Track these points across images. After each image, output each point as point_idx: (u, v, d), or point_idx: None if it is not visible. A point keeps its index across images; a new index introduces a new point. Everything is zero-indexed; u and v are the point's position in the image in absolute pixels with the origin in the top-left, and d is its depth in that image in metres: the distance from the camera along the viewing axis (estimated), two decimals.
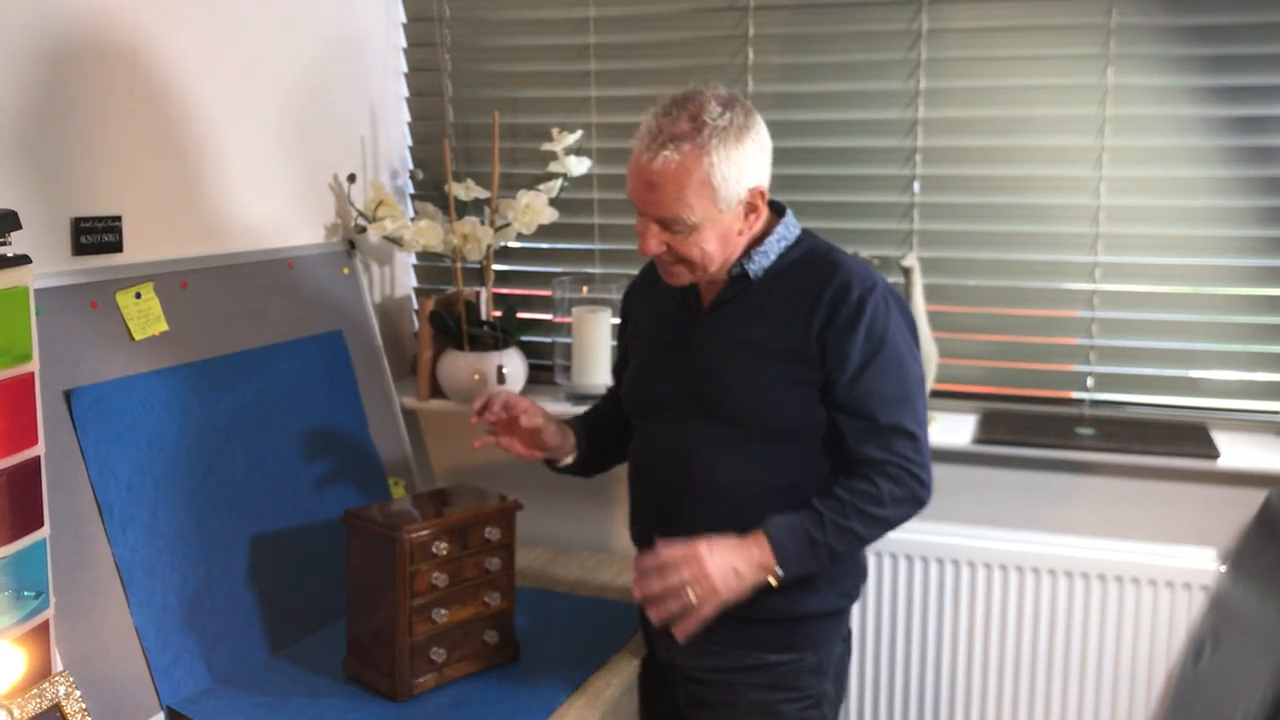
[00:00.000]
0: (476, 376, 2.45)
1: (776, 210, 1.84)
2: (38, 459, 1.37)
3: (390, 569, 1.79)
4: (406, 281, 2.74)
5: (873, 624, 2.35)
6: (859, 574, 1.90)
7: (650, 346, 1.93)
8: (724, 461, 1.80)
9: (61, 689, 1.23)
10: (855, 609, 2.32)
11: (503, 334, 2.48)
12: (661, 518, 1.87)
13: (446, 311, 2.50)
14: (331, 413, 2.27)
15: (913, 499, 1.75)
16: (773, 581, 1.70)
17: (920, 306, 2.27)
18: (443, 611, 1.83)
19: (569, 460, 2.00)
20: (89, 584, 1.70)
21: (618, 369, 2.09)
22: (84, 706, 1.26)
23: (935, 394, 2.33)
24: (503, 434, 1.94)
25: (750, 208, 1.73)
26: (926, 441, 1.78)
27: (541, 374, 2.58)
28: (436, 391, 2.55)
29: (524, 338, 2.56)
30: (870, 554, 2.31)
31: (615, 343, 2.06)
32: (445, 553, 1.82)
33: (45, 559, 1.38)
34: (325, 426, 2.24)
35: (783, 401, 1.76)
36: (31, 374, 1.35)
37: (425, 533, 1.80)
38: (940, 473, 2.30)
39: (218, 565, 1.92)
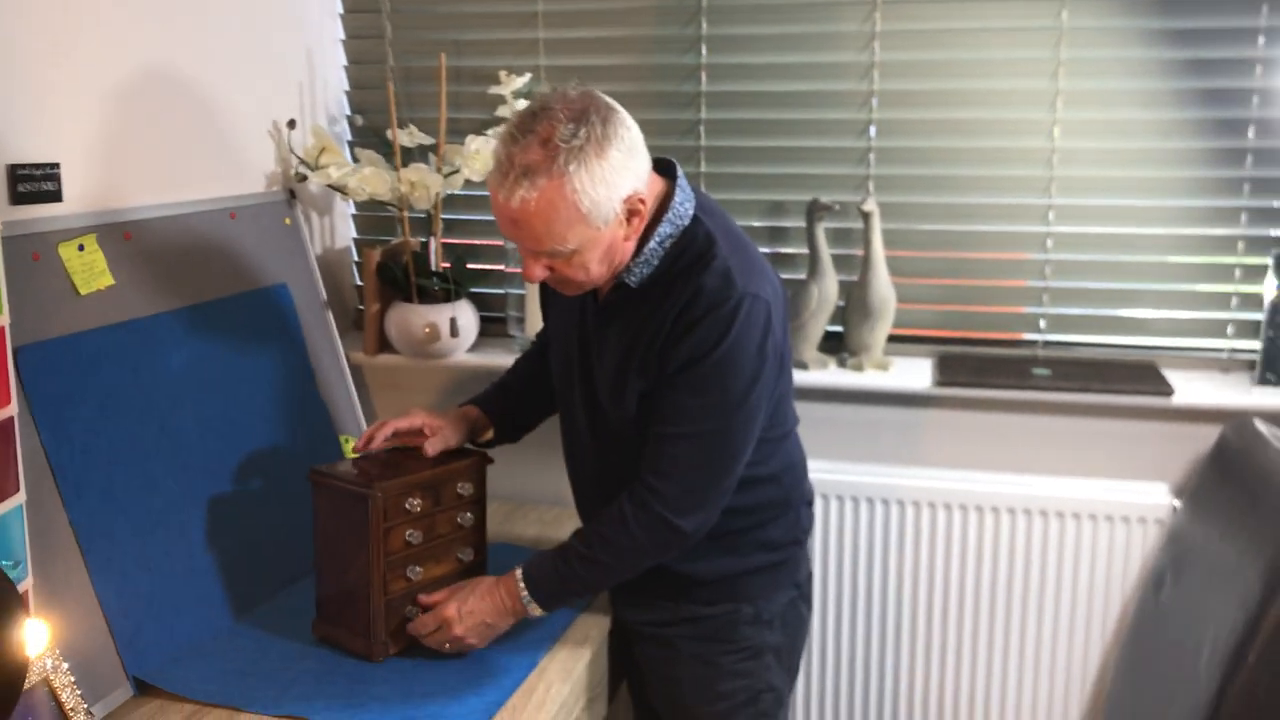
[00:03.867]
0: (428, 329, 2.39)
1: (668, 173, 1.72)
2: (11, 420, 1.28)
3: (362, 527, 1.74)
4: (346, 232, 2.66)
5: (834, 567, 2.36)
6: (794, 527, 1.89)
7: (558, 334, 1.89)
8: (610, 457, 1.81)
9: (49, 662, 1.16)
10: (815, 554, 2.34)
11: (453, 285, 2.42)
12: (575, 494, 1.95)
13: (393, 262, 2.43)
14: (281, 369, 2.20)
15: (661, 525, 1.69)
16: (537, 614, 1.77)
17: (879, 252, 2.27)
18: (417, 569, 1.79)
19: (489, 435, 1.98)
20: (47, 552, 1.61)
21: (541, 333, 2.07)
22: (73, 680, 1.20)
23: (893, 338, 2.34)
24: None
25: (631, 214, 1.62)
26: (718, 476, 1.69)
27: (494, 326, 2.53)
28: (384, 346, 2.48)
29: (475, 289, 2.51)
30: (830, 498, 2.32)
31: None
32: (418, 509, 1.78)
33: (23, 526, 1.30)
34: (274, 383, 2.17)
35: (639, 415, 1.74)
36: (2, 328, 1.26)
37: (397, 489, 1.75)
38: (899, 416, 2.35)
39: (176, 529, 1.85)
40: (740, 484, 1.74)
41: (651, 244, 1.67)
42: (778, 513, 1.85)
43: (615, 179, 1.56)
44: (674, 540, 1.71)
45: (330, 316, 2.39)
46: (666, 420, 1.69)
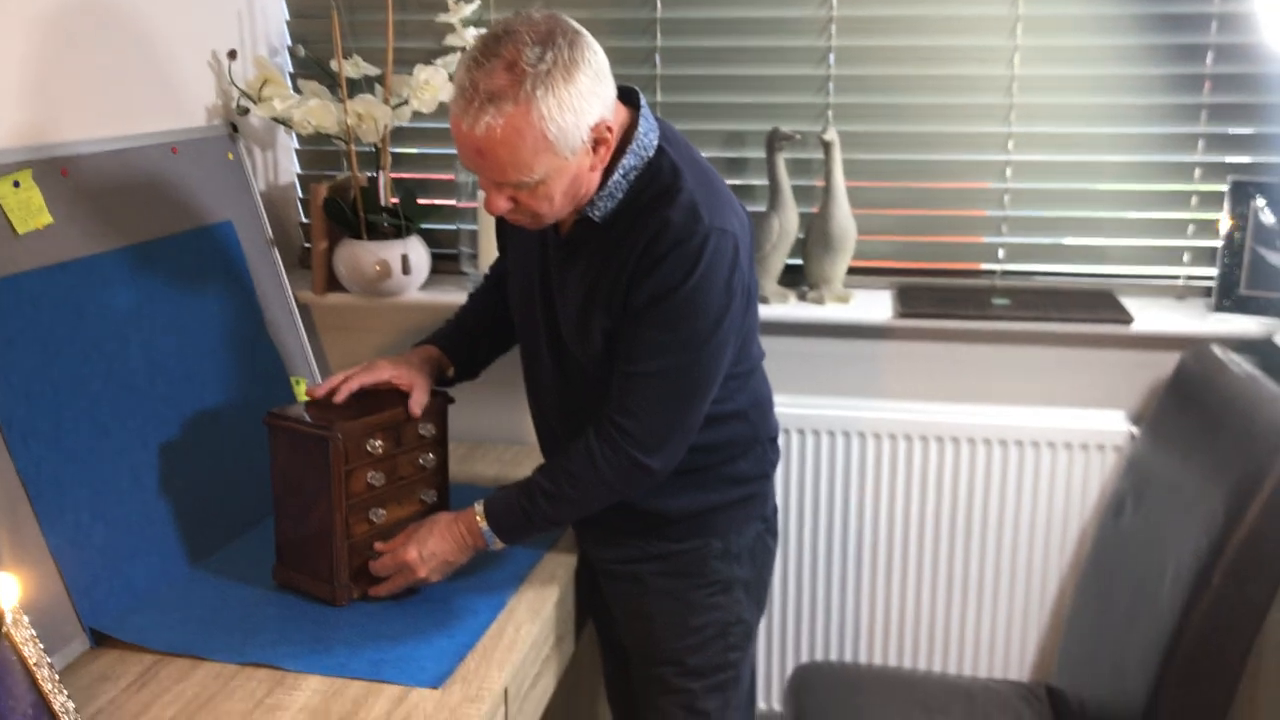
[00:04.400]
0: (378, 267, 2.32)
1: (631, 102, 1.66)
2: None
3: (323, 470, 1.70)
4: (290, 167, 2.57)
5: (797, 499, 2.36)
6: (761, 461, 1.88)
7: (518, 269, 1.84)
8: (576, 394, 1.78)
9: (9, 616, 1.12)
10: (779, 487, 2.33)
11: (403, 221, 2.36)
12: (539, 431, 1.91)
13: (341, 198, 2.36)
14: (228, 309, 2.13)
15: (629, 463, 1.67)
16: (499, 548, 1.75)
17: (839, 182, 2.24)
18: (380, 511, 1.75)
19: (450, 373, 1.94)
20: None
21: (495, 266, 2.03)
22: (34, 634, 1.15)
23: (853, 270, 2.33)
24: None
25: (598, 142, 1.56)
26: (686, 413, 1.67)
27: (446, 263, 2.47)
28: (333, 284, 2.42)
29: (425, 225, 2.44)
30: (793, 432, 2.31)
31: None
32: (380, 451, 1.73)
33: None
34: (222, 324, 2.10)
35: (605, 353, 1.70)
36: None
37: (358, 431, 1.71)
38: (860, 349, 2.34)
39: (127, 475, 1.79)
40: (707, 420, 1.72)
41: (615, 176, 1.63)
42: (745, 448, 1.84)
43: (583, 105, 1.51)
44: (641, 477, 1.69)
45: (276, 255, 2.32)
46: (633, 358, 1.66)
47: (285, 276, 2.33)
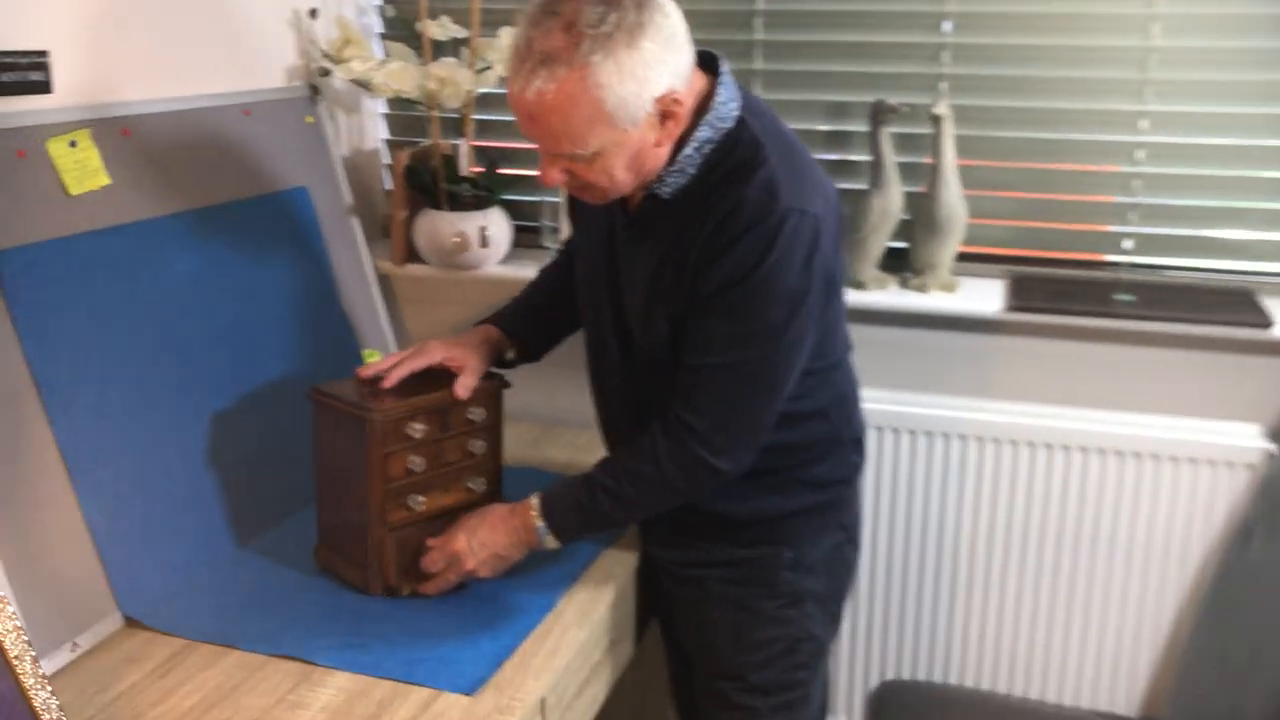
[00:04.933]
0: (457, 239, 2.23)
1: (711, 68, 1.52)
2: None
3: (361, 452, 1.61)
4: (376, 133, 2.50)
5: (887, 507, 2.19)
6: (841, 465, 1.72)
7: (585, 247, 1.72)
8: (642, 384, 1.65)
9: None
10: (868, 492, 2.17)
11: (485, 192, 2.26)
12: (601, 421, 1.79)
13: (422, 166, 2.27)
14: (297, 278, 2.06)
15: (695, 463, 1.54)
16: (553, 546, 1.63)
17: (950, 160, 2.06)
18: (419, 499, 1.65)
19: (510, 355, 1.82)
20: (28, 474, 1.51)
21: (568, 242, 1.91)
22: (19, 625, 1.08)
23: (962, 257, 2.14)
24: None
25: (665, 116, 1.43)
26: (757, 411, 1.54)
27: (527, 236, 2.36)
28: (413, 255, 2.34)
29: (508, 196, 2.34)
30: (886, 431, 2.14)
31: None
32: (422, 435, 1.63)
33: None
34: (291, 293, 2.03)
35: (672, 342, 1.57)
36: None
37: (399, 413, 1.61)
38: (964, 343, 2.15)
39: (175, 448, 1.73)
40: (783, 419, 1.58)
41: (688, 150, 1.49)
42: (825, 450, 1.69)
43: (647, 74, 1.37)
44: (709, 479, 1.56)
45: (355, 223, 2.25)
46: (700, 349, 1.52)
47: (364, 245, 2.26)
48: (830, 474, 1.71)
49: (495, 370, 1.77)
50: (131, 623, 1.59)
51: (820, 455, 1.69)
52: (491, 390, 1.73)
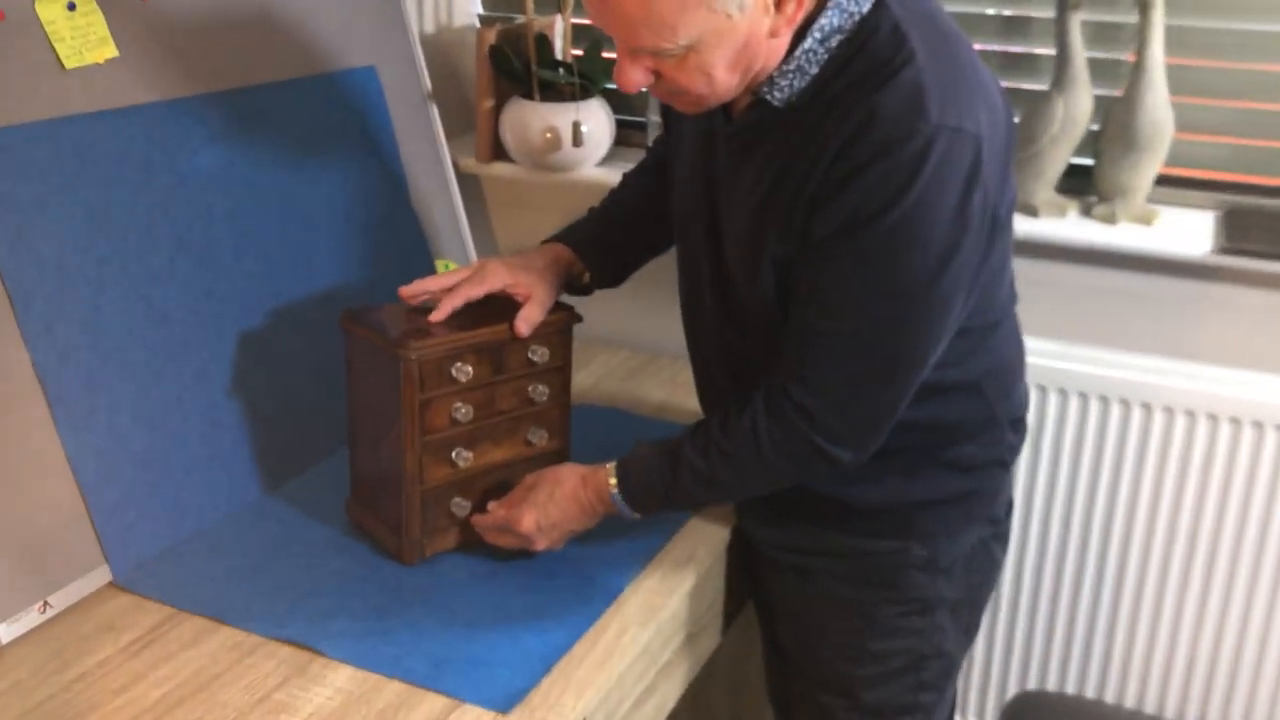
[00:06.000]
0: (548, 134, 1.90)
1: None
2: None
3: (394, 396, 1.32)
4: (469, 8, 2.17)
5: (1044, 488, 1.81)
6: (995, 445, 1.36)
7: (681, 163, 1.37)
8: (743, 340, 1.32)
9: None
10: (1021, 473, 1.79)
11: (582, 80, 1.92)
12: (696, 375, 1.48)
13: (512, 48, 1.94)
14: (355, 174, 1.76)
15: (807, 452, 1.21)
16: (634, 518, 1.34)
17: (1157, 58, 1.63)
18: (465, 453, 1.36)
19: (585, 280, 1.50)
20: None
21: (657, 144, 1.56)
22: None
23: (1163, 180, 1.71)
24: None
25: None
26: (887, 388, 1.20)
27: (630, 134, 2.02)
28: (500, 152, 2.02)
29: (610, 86, 1.99)
30: (1050, 392, 1.75)
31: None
32: (469, 378, 1.33)
33: None
34: (346, 191, 1.74)
35: (779, 294, 1.23)
36: None
37: (441, 351, 1.31)
38: (1160, 288, 1.73)
39: (191, 373, 1.47)
40: (923, 391, 1.23)
41: (808, 42, 1.14)
42: (975, 430, 1.33)
43: None
44: (819, 467, 1.23)
45: (434, 112, 1.93)
46: (816, 307, 1.18)
47: (443, 139, 1.95)
48: (980, 456, 1.35)
49: (565, 301, 1.45)
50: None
51: (969, 435, 1.33)
52: (559, 325, 1.42)
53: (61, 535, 1.31)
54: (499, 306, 1.38)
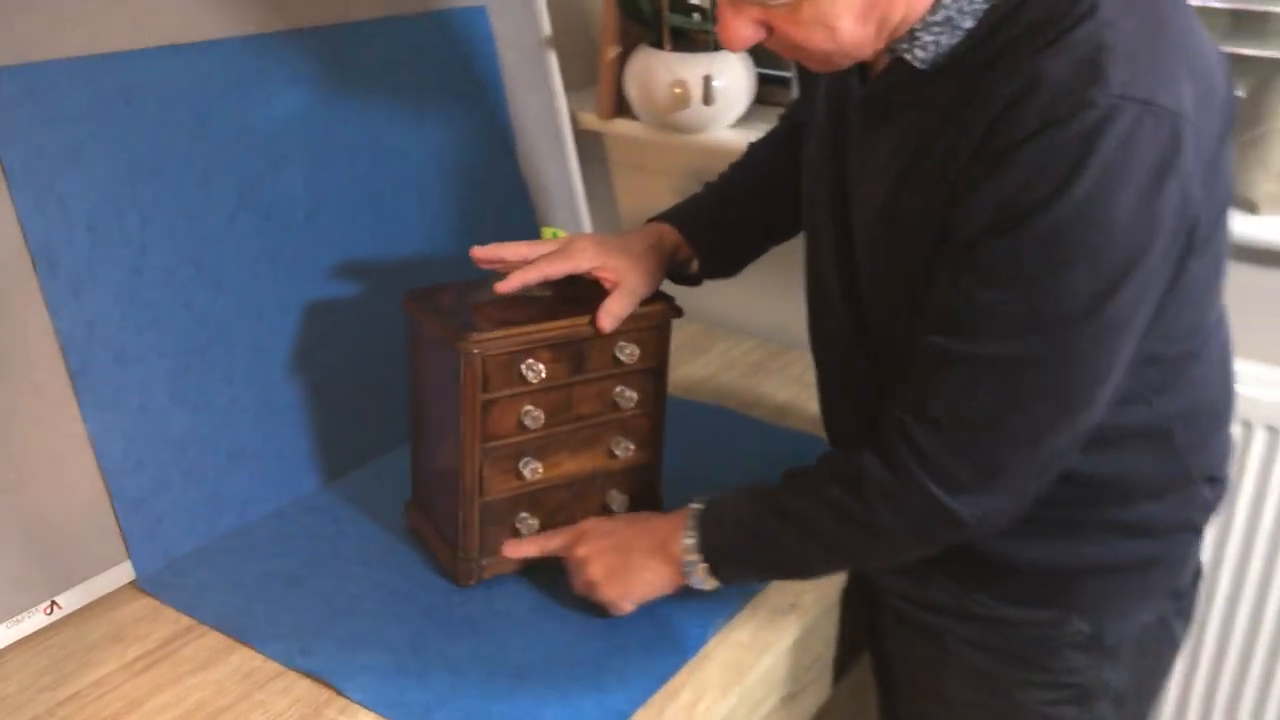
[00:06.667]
0: (678, 90, 1.67)
1: None
2: None
3: (453, 392, 1.12)
4: None
5: (1236, 544, 1.50)
6: (1186, 505, 1.07)
7: (812, 134, 1.12)
8: (872, 353, 1.07)
9: None
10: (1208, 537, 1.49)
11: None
12: (821, 393, 1.23)
13: None
14: (458, 128, 1.57)
15: (923, 506, 0.95)
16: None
17: None
18: (534, 464, 1.16)
19: (693, 269, 1.27)
20: (11, 372, 1.11)
21: (790, 111, 1.33)
22: None
23: None
24: None
25: None
26: (1037, 435, 0.92)
27: (773, 90, 1.77)
28: (624, 108, 1.80)
29: None
30: (1256, 428, 1.44)
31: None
32: (542, 377, 1.12)
33: None
34: (446, 148, 1.55)
35: (914, 300, 0.97)
36: None
37: (508, 345, 1.10)
38: None
39: (247, 348, 1.31)
40: (1093, 441, 0.96)
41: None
42: (1161, 488, 1.05)
43: None
44: (937, 528, 0.97)
45: (553, 60, 1.72)
46: (948, 324, 0.92)
47: (561, 91, 1.74)
48: (1166, 518, 1.06)
49: (665, 293, 1.22)
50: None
51: (1153, 494, 1.05)
52: (654, 319, 1.19)
53: (77, 527, 1.16)
54: (586, 293, 1.16)
